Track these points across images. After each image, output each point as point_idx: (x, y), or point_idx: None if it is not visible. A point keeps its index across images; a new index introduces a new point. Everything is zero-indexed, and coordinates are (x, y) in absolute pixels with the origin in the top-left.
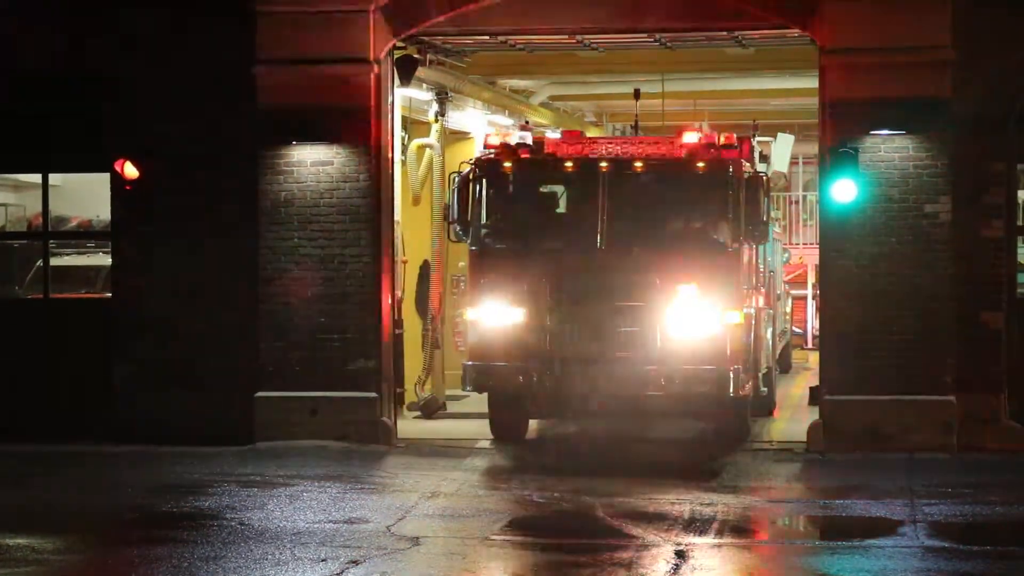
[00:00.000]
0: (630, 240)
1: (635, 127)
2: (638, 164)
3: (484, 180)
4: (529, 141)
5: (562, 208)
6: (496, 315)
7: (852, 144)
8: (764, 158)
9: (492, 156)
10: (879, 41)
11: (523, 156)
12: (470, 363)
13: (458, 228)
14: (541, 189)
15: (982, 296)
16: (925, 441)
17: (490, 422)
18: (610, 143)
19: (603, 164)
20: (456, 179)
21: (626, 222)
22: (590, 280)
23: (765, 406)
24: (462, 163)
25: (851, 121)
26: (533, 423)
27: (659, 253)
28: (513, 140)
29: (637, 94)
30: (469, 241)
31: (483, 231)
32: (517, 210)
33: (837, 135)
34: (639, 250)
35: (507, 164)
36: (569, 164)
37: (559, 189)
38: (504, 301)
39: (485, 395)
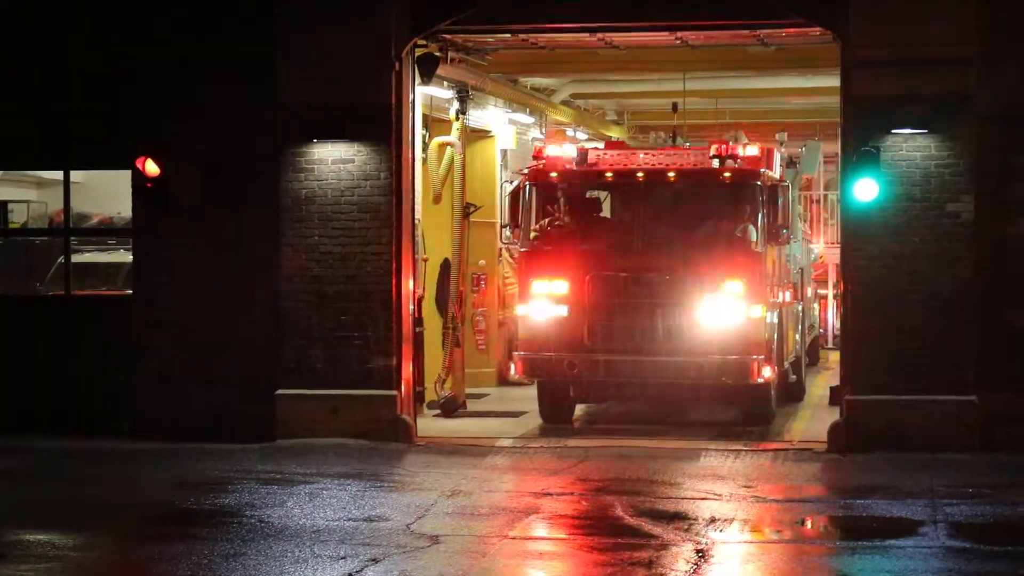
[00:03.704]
0: (665, 242)
1: (673, 137)
2: (672, 174)
3: (534, 188)
4: (574, 152)
5: (604, 213)
6: (545, 310)
7: (874, 143)
8: (793, 164)
9: (540, 167)
10: (902, 39)
11: (568, 166)
12: (521, 353)
13: (509, 232)
14: (585, 196)
15: (1005, 294)
16: (947, 441)
17: (539, 407)
18: (647, 153)
19: (640, 174)
20: (508, 187)
21: (662, 226)
22: (629, 279)
23: (796, 393)
24: (513, 172)
25: (873, 119)
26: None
27: (690, 254)
28: (558, 151)
29: (675, 107)
30: (519, 243)
31: (532, 234)
32: (563, 215)
33: (858, 134)
34: (673, 251)
35: (554, 174)
36: (610, 174)
37: (602, 195)
38: (552, 298)
39: (504, 393)
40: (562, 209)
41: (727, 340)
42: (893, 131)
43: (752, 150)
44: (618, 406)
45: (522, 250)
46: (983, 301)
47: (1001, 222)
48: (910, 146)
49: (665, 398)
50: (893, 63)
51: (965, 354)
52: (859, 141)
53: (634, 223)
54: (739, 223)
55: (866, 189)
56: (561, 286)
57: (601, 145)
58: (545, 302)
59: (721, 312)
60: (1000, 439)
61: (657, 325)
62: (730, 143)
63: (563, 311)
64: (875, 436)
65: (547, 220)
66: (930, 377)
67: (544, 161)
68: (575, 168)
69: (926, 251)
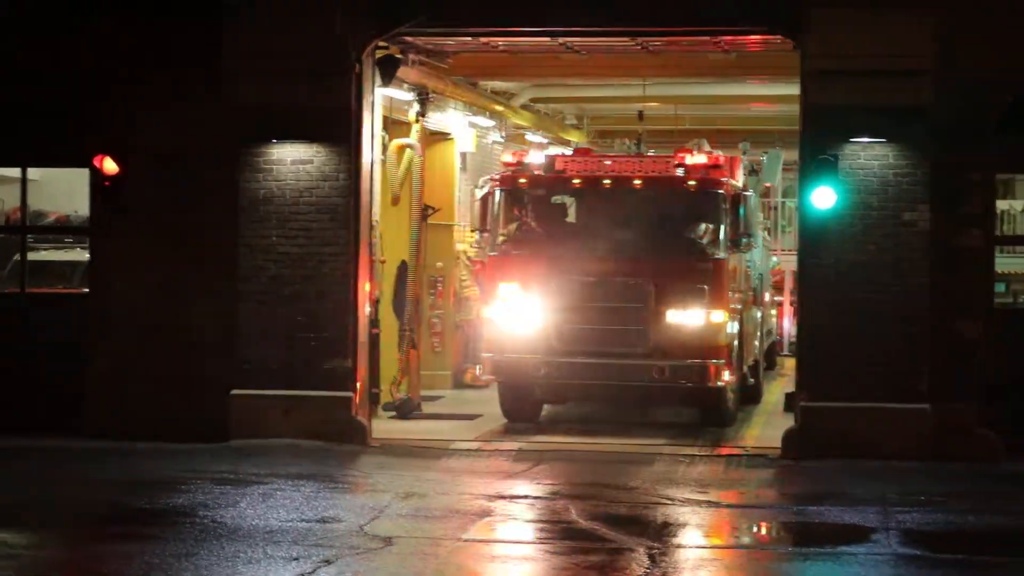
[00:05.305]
0: (629, 248)
1: (638, 144)
2: (637, 181)
3: (502, 194)
4: (542, 159)
5: (571, 218)
6: (511, 313)
7: (832, 151)
8: (754, 172)
9: (509, 174)
10: (861, 49)
11: (536, 173)
12: (487, 355)
13: (478, 236)
14: (552, 202)
15: (959, 305)
16: (899, 449)
17: (501, 406)
18: (613, 160)
19: (607, 181)
20: (478, 193)
21: (626, 232)
22: (593, 283)
23: (753, 397)
24: (483, 179)
25: (831, 128)
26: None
27: (653, 260)
28: (529, 159)
29: (641, 115)
30: (488, 248)
31: (500, 238)
32: (531, 221)
33: (817, 142)
34: (637, 257)
35: (522, 180)
36: (577, 181)
37: (568, 201)
38: (518, 301)
39: (459, 396)
40: (530, 214)
41: (688, 344)
42: (851, 139)
43: (716, 158)
44: (580, 407)
45: (491, 254)
46: (937, 311)
47: (954, 233)
48: (868, 155)
49: (627, 399)
50: (851, 73)
51: (919, 363)
52: (817, 149)
53: (600, 228)
54: (701, 230)
55: (824, 197)
56: (528, 289)
57: (569, 151)
58: (512, 305)
59: (683, 316)
60: (952, 448)
61: (620, 328)
62: (694, 151)
63: (529, 314)
64: (829, 443)
65: (515, 225)
66: (884, 385)
67: (512, 168)
68: (543, 174)
69: (882, 259)
